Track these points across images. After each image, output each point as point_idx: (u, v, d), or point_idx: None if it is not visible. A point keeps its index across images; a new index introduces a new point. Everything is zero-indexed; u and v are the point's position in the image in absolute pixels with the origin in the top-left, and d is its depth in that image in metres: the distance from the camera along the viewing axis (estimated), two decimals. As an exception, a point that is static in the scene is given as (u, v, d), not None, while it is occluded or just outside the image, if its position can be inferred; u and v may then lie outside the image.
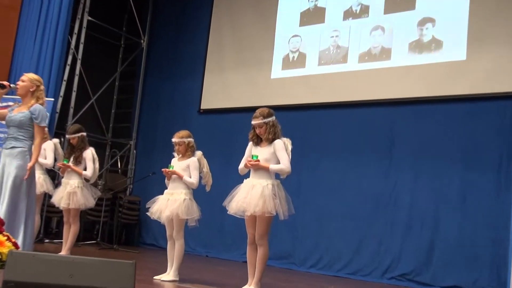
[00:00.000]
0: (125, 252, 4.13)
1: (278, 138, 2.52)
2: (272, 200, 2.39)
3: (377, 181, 3.64)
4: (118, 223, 4.65)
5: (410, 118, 3.44)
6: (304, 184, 4.02)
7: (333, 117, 3.97)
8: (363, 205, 3.70)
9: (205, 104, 4.70)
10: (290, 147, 2.51)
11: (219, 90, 4.50)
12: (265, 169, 2.47)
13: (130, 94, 5.14)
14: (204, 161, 2.99)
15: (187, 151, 2.96)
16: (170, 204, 2.85)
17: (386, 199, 3.54)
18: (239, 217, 2.51)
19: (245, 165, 2.51)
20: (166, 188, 2.96)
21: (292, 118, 4.03)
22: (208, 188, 2.99)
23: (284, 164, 2.45)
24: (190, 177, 2.91)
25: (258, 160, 2.47)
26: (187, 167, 2.94)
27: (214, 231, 4.34)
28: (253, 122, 2.52)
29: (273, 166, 2.47)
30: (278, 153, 2.48)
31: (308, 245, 3.86)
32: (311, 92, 3.91)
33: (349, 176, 3.82)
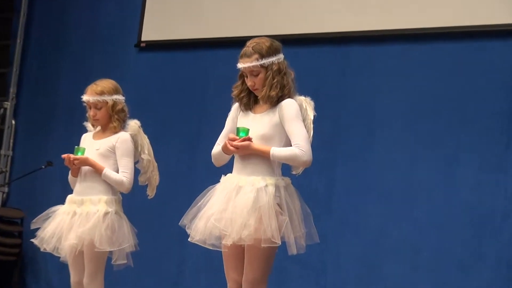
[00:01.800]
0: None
1: (290, 96, 2.58)
2: (275, 217, 2.47)
3: (482, 184, 3.80)
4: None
5: None
6: (339, 188, 4.14)
7: (395, 57, 4.11)
8: (455, 230, 3.83)
9: (149, 34, 4.84)
10: (311, 116, 2.60)
11: (175, 9, 4.70)
12: (263, 156, 2.53)
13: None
14: (144, 140, 3.10)
15: (111, 121, 3.06)
16: (78, 224, 2.95)
17: (498, 220, 3.75)
18: (210, 248, 2.57)
19: (224, 148, 2.58)
20: (71, 192, 3.06)
21: (312, 61, 4.20)
22: (151, 193, 3.14)
23: (300, 146, 2.51)
24: (117, 171, 3.00)
25: (250, 138, 2.51)
26: (110, 152, 3.03)
27: (164, 274, 4.41)
28: (240, 66, 2.57)
29: (278, 151, 2.52)
30: (289, 126, 2.54)
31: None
32: (346, 9, 4.15)
33: (428, 174, 3.95)
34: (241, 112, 2.63)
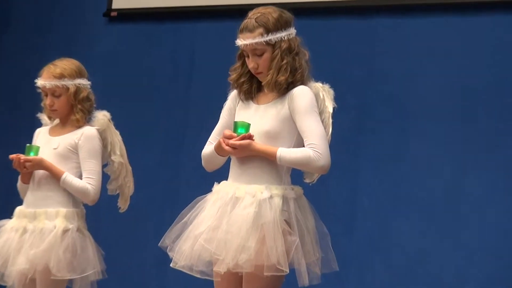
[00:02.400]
0: None
1: (303, 83, 2.61)
2: (282, 238, 2.48)
3: None
4: None
5: None
6: (364, 201, 4.15)
7: (439, 31, 4.14)
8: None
9: (121, 0, 4.86)
10: (330, 108, 2.62)
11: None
12: (267, 159, 2.56)
13: None
14: (115, 138, 3.13)
15: (73, 112, 3.08)
16: (29, 244, 2.95)
17: None
18: (199, 276, 2.58)
19: (218, 148, 2.60)
20: (20, 203, 3.07)
21: (332, 37, 4.21)
22: (124, 205, 3.18)
23: (315, 146, 2.52)
24: (81, 177, 3.03)
25: (251, 136, 2.53)
26: (72, 151, 3.05)
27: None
28: (240, 43, 2.60)
29: (287, 152, 2.53)
30: (302, 120, 2.55)
31: None
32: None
33: (480, 185, 3.95)
34: (240, 102, 2.65)
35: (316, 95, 2.59)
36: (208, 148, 2.65)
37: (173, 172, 3.99)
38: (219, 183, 2.60)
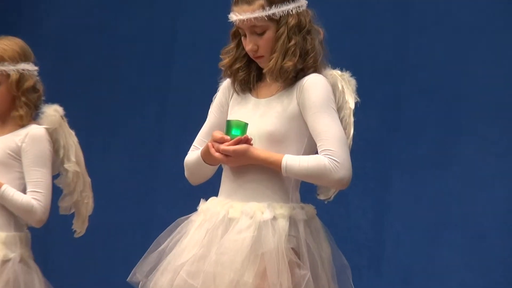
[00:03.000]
0: None
1: (317, 70, 2.63)
2: (288, 271, 2.50)
3: None
4: None
5: None
6: (395, 223, 4.14)
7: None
8: None
9: None
10: (352, 103, 2.64)
11: None
12: (269, 169, 2.58)
13: None
14: (70, 139, 3.15)
15: (15, 107, 3.11)
16: None
17: None
18: None
19: (205, 155, 2.62)
20: None
21: (354, 11, 4.19)
22: (80, 227, 3.18)
23: (332, 153, 2.53)
24: (24, 190, 3.06)
25: (248, 139, 2.55)
26: (13, 157, 3.09)
27: None
28: (235, 18, 2.61)
29: (295, 161, 2.55)
30: (315, 119, 2.57)
31: None
32: None
33: None
34: (234, 95, 2.68)
35: (334, 86, 2.61)
36: (193, 154, 2.66)
37: (146, 185, 3.99)
38: (206, 200, 2.62)
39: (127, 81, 4.67)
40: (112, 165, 4.07)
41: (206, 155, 2.59)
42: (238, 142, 2.51)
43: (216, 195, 2.62)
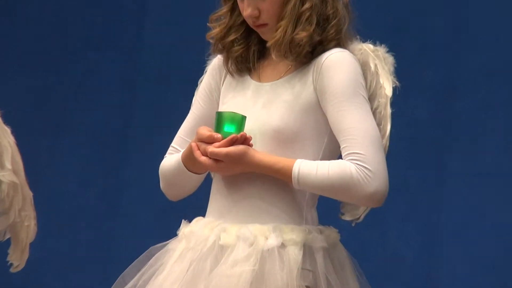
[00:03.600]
0: None
1: (340, 45, 2.65)
2: None
3: None
4: None
5: None
6: (450, 253, 4.30)
7: None
8: None
9: None
10: (389, 89, 2.64)
11: None
12: (276, 179, 2.60)
13: None
14: (4, 139, 3.15)
15: None
16: None
17: None
18: None
19: (186, 159, 2.65)
20: None
21: None
22: (19, 259, 3.12)
23: (361, 158, 2.54)
24: None
25: (247, 138, 2.57)
26: None
27: None
28: None
29: (311, 168, 2.55)
30: (338, 111, 2.58)
31: None
32: None
33: None
34: (228, 77, 2.71)
35: (364, 66, 2.62)
36: (171, 159, 2.68)
37: (107, 201, 4.05)
38: (190, 221, 2.63)
39: (83, 62, 4.77)
40: (62, 174, 4.09)
41: (189, 160, 2.59)
42: (233, 142, 2.50)
43: (203, 214, 2.62)
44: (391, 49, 2.65)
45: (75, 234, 4.03)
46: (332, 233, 2.57)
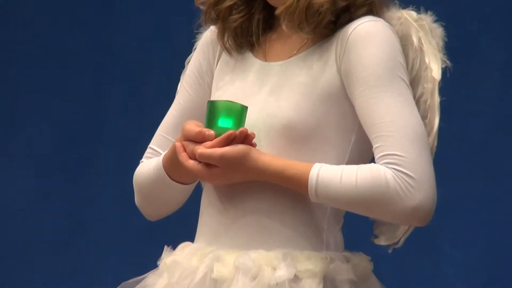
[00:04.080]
0: None
1: (373, 12, 2.66)
2: None
3: None
4: None
5: None
6: None
7: None
8: None
9: None
10: (438, 72, 2.64)
11: None
12: (285, 188, 2.61)
13: None
14: None
15: None
16: None
17: None
18: None
19: (167, 164, 2.67)
20: None
21: None
22: None
23: (398, 160, 2.51)
24: None
25: (249, 136, 2.55)
26: None
27: None
28: None
29: (331, 174, 2.54)
30: (369, 99, 2.56)
31: None
32: None
33: None
34: (223, 55, 2.71)
35: (405, 40, 2.59)
36: (149, 164, 2.66)
37: (72, 218, 4.06)
38: (175, 247, 2.61)
39: (44, 37, 4.86)
40: (14, 177, 4.10)
41: (172, 166, 2.57)
42: (230, 140, 2.46)
43: (192, 238, 2.60)
44: (440, 18, 2.61)
45: (30, 263, 4.09)
46: (362, 261, 2.54)
